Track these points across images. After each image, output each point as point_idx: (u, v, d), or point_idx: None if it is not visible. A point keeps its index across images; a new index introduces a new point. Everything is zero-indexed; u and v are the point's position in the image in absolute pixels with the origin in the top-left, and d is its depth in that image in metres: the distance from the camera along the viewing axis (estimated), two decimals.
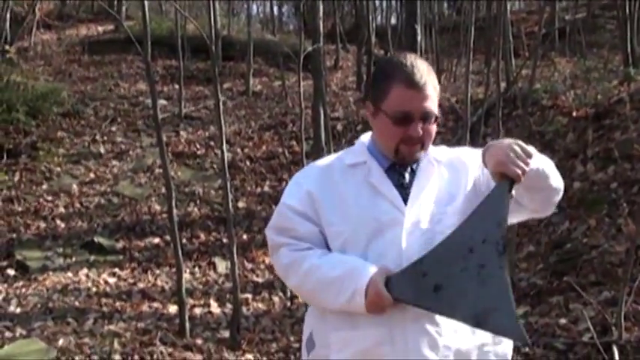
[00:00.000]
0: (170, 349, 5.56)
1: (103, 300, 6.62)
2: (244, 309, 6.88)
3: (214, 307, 6.99)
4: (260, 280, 7.93)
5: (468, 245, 1.89)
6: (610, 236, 6.39)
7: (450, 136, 10.08)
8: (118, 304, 6.59)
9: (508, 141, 1.88)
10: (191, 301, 6.93)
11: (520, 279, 6.57)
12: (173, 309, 6.55)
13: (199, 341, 5.90)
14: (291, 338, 6.18)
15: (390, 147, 2.04)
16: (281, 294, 7.53)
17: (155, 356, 5.34)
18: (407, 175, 2.06)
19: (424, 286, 1.89)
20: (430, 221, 2.01)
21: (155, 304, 6.79)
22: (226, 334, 6.17)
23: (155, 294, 7.03)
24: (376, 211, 2.00)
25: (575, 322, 5.38)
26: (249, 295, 7.38)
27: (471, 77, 6.57)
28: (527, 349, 5.30)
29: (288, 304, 7.21)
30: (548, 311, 5.79)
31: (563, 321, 5.49)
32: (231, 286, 6.65)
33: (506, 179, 1.87)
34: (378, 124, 2.05)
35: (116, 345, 5.47)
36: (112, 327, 5.93)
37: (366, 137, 2.18)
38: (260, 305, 7.22)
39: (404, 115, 1.97)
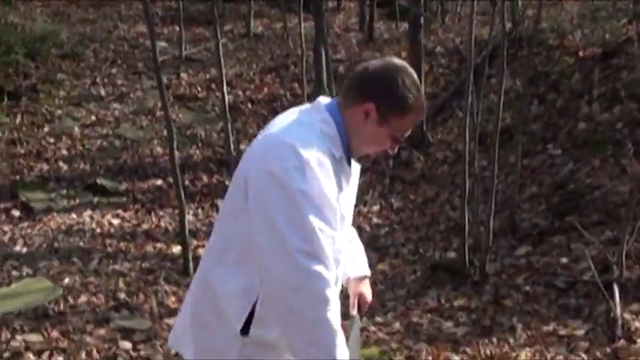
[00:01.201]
0: (174, 288, 5.62)
1: (108, 241, 6.66)
2: None
3: None
4: None
5: None
6: (614, 176, 6.38)
7: (454, 78, 9.98)
8: (122, 244, 6.64)
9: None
10: (194, 242, 6.97)
11: (522, 220, 6.59)
12: (177, 249, 6.60)
13: None
14: None
15: (364, 151, 2.11)
16: None
17: (159, 295, 5.39)
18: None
19: None
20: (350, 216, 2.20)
21: (159, 245, 6.84)
22: None
23: (159, 235, 7.07)
24: (345, 208, 2.09)
25: (577, 261, 5.42)
26: None
27: (475, 18, 6.44)
28: (527, 288, 5.36)
29: None
30: (549, 251, 5.83)
31: (564, 260, 5.52)
32: None
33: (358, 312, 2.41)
34: (373, 132, 2.02)
35: (121, 284, 5.53)
36: (116, 267, 5.98)
37: (325, 116, 2.02)
38: None
39: (404, 136, 2.07)
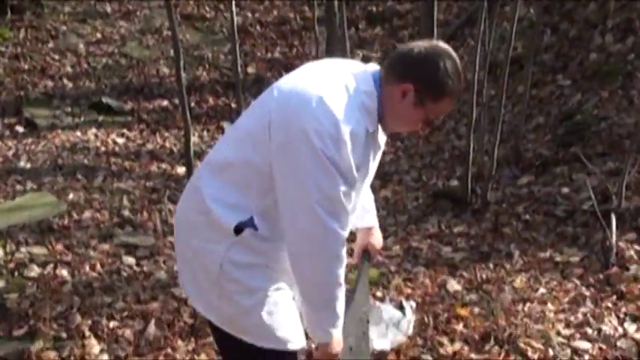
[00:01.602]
0: None
1: (112, 159, 6.71)
2: None
3: None
4: None
5: (361, 315, 2.35)
6: (621, 108, 6.32)
7: (468, 5, 9.78)
8: (126, 163, 6.68)
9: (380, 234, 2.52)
10: (199, 163, 7.01)
11: (527, 149, 6.58)
12: (181, 170, 6.65)
13: None
14: None
15: (395, 128, 2.13)
16: None
17: (163, 213, 5.46)
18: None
19: (346, 346, 2.19)
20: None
21: (163, 165, 6.88)
22: None
23: (163, 155, 7.11)
24: (367, 171, 2.13)
25: (577, 191, 5.44)
26: None
27: None
28: (527, 217, 5.40)
29: None
30: (551, 181, 5.83)
31: (565, 190, 5.54)
32: None
33: (366, 257, 2.49)
34: (407, 112, 2.04)
35: (125, 201, 5.60)
36: (121, 185, 6.04)
37: (370, 87, 2.03)
38: None
39: (437, 119, 2.15)
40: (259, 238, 2.02)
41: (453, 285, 4.33)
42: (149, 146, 7.26)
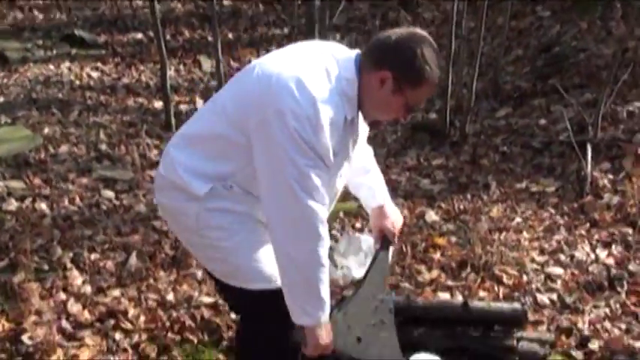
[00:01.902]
0: (156, 142, 5.64)
1: (87, 93, 6.60)
2: None
3: (200, 104, 7.00)
4: None
5: (374, 304, 2.25)
6: (599, 39, 6.33)
7: None
8: (102, 97, 6.58)
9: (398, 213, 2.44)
10: (176, 98, 6.93)
11: (505, 82, 6.58)
12: (158, 104, 6.57)
13: None
14: None
15: (375, 116, 2.12)
16: None
17: (141, 147, 5.42)
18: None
19: (350, 337, 2.17)
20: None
21: (140, 99, 6.79)
22: None
23: (140, 89, 7.01)
24: (346, 157, 2.14)
25: (554, 122, 5.48)
26: None
27: None
28: (504, 148, 5.45)
29: None
30: (529, 112, 5.87)
31: (542, 122, 5.58)
32: (216, 84, 6.62)
33: (386, 244, 2.38)
34: (387, 100, 2.03)
35: (102, 136, 5.54)
36: (97, 119, 5.97)
37: (352, 75, 2.02)
38: None
39: (417, 107, 2.13)
40: (233, 194, 2.06)
41: (431, 216, 4.40)
42: (125, 80, 7.14)
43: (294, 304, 2.01)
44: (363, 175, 2.40)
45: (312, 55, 2.04)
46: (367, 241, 3.65)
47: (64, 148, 5.15)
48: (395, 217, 2.44)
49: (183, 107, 6.84)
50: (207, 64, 7.89)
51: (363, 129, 2.21)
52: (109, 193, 4.51)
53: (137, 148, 5.38)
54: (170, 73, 6.73)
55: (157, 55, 6.50)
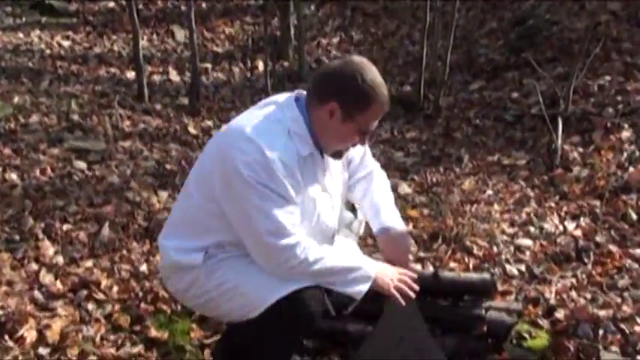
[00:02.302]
0: (129, 112, 5.59)
1: (58, 62, 6.50)
2: (203, 78, 6.87)
3: (173, 75, 6.96)
4: (220, 50, 7.83)
5: (399, 335, 2.26)
6: (572, 13, 6.39)
7: None
8: (74, 67, 6.50)
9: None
10: (149, 68, 6.87)
11: (479, 55, 6.62)
12: (131, 75, 6.51)
13: (158, 106, 5.93)
14: (251, 107, 6.24)
15: (334, 147, 2.19)
16: (241, 65, 7.50)
17: (114, 118, 5.36)
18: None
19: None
20: (338, 197, 2.33)
21: (112, 69, 6.72)
22: (185, 101, 6.20)
23: (112, 59, 6.92)
24: (322, 189, 2.21)
25: (527, 96, 5.54)
26: (209, 65, 7.33)
27: None
28: (477, 121, 5.50)
29: (249, 74, 7.21)
30: (502, 86, 5.92)
31: (515, 95, 5.64)
32: (189, 54, 6.57)
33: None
34: (340, 129, 2.11)
35: (74, 106, 5.46)
36: (68, 89, 5.89)
37: (295, 113, 2.11)
38: (220, 75, 7.20)
39: (370, 130, 2.15)
40: (227, 251, 2.15)
41: (404, 188, 4.43)
42: (96, 50, 7.05)
43: (344, 289, 2.11)
44: (363, 197, 2.46)
45: (253, 110, 2.16)
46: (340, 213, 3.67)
47: (34, 118, 5.07)
48: (402, 244, 2.35)
49: (156, 78, 6.78)
50: (180, 34, 7.81)
51: (335, 162, 2.28)
52: (81, 164, 4.46)
53: (109, 119, 5.32)
54: (143, 43, 6.65)
55: (129, 25, 6.42)
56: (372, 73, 2.08)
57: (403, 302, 2.14)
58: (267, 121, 2.07)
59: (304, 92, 2.16)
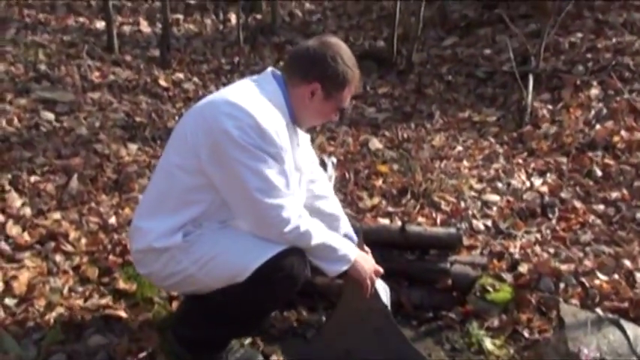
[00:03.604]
0: (98, 64, 5.49)
1: (25, 11, 6.33)
2: (175, 29, 6.75)
3: (144, 26, 6.82)
4: (192, 1, 7.69)
5: (359, 316, 2.32)
6: None
7: None
8: (41, 15, 6.34)
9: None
10: (119, 18, 6.73)
11: (453, 11, 6.59)
12: (100, 25, 6.36)
13: (128, 58, 5.83)
14: (223, 60, 6.18)
15: (310, 123, 2.31)
16: (213, 16, 7.38)
17: (82, 69, 5.27)
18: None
19: (339, 351, 2.34)
20: (306, 174, 2.38)
21: (81, 19, 6.57)
22: (156, 52, 6.10)
23: (81, 9, 6.77)
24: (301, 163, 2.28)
25: (499, 53, 5.55)
26: (180, 16, 7.20)
27: None
28: (449, 78, 5.51)
29: (221, 27, 7.10)
30: (475, 42, 5.92)
31: (487, 51, 5.64)
32: (160, 5, 6.44)
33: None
34: (320, 107, 2.20)
35: (41, 55, 5.35)
36: (36, 38, 5.75)
37: (274, 86, 2.18)
38: (191, 27, 7.09)
39: (346, 106, 2.27)
40: (203, 227, 2.14)
41: (375, 143, 4.45)
42: None
43: (323, 264, 2.19)
44: (321, 200, 2.47)
45: (232, 86, 2.21)
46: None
47: (0, 67, 4.96)
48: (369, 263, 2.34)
49: (126, 28, 6.65)
50: None
51: (304, 137, 2.33)
52: (49, 115, 4.39)
53: (78, 70, 5.23)
54: None
55: None
56: (348, 53, 2.20)
57: (369, 292, 2.25)
58: (249, 92, 2.13)
59: (276, 72, 2.23)
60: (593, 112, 4.41)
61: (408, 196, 3.64)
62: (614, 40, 5.19)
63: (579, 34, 5.36)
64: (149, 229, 2.15)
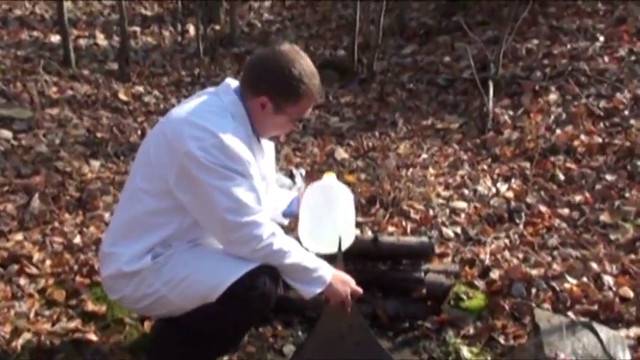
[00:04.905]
0: (55, 79, 5.38)
1: None
2: (132, 42, 6.66)
3: (100, 39, 6.72)
4: (149, 13, 7.61)
5: (339, 333, 2.29)
6: None
7: None
8: None
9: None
10: (74, 32, 6.61)
11: (411, 19, 6.66)
12: (55, 39, 6.24)
13: (86, 72, 5.73)
14: (183, 72, 6.12)
15: (270, 133, 2.24)
16: (171, 28, 7.31)
17: (39, 84, 5.15)
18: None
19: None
20: (271, 182, 2.37)
21: (35, 33, 6.43)
22: (114, 66, 6.01)
23: (34, 22, 6.63)
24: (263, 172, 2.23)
25: (458, 60, 5.62)
26: (138, 29, 7.10)
27: None
28: (410, 85, 5.55)
29: (179, 38, 7.03)
30: (434, 50, 5.98)
31: (447, 59, 5.71)
32: (117, 17, 6.34)
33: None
34: (272, 120, 2.14)
35: None
36: None
37: (233, 97, 2.13)
38: (149, 39, 7.00)
39: (304, 118, 2.20)
40: (172, 248, 2.11)
41: (341, 153, 4.45)
42: (17, 12, 6.72)
43: (298, 285, 2.13)
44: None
45: (191, 100, 2.15)
46: (279, 179, 3.64)
47: None
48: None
49: (82, 42, 6.53)
50: None
51: (268, 146, 2.31)
52: (6, 133, 4.27)
53: (35, 85, 5.12)
54: (67, 4, 6.36)
55: None
56: (302, 64, 2.08)
57: (348, 311, 2.22)
58: (209, 106, 2.08)
59: (235, 82, 2.18)
60: (552, 117, 4.50)
61: (377, 205, 3.65)
62: (569, 46, 5.31)
63: (535, 41, 5.46)
64: (119, 253, 2.10)
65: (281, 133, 2.31)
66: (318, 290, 2.14)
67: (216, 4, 7.38)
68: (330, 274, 2.16)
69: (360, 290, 2.24)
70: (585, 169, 3.92)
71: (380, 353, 2.35)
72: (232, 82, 2.17)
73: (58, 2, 5.72)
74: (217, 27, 7.33)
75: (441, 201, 3.71)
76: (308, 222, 2.33)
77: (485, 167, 4.12)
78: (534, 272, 2.93)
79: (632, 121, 4.27)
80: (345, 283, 2.21)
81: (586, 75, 4.83)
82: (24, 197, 3.56)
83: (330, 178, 2.42)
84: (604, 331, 2.35)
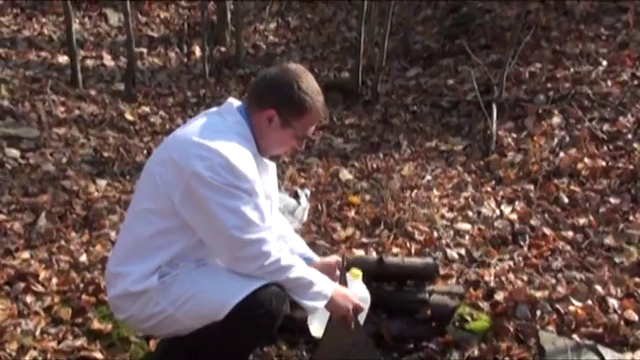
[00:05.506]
0: (63, 98, 5.43)
1: None
2: (139, 63, 6.72)
3: (107, 60, 6.77)
4: (155, 34, 7.67)
5: (343, 350, 2.29)
6: (504, 1, 6.55)
7: None
8: (1, 50, 6.24)
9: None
10: (82, 53, 6.67)
11: (415, 42, 6.71)
12: (63, 59, 6.30)
13: (93, 92, 5.78)
14: (188, 93, 6.17)
15: (272, 151, 2.26)
16: (177, 50, 7.37)
17: (47, 104, 5.20)
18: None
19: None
20: (275, 202, 2.38)
21: (43, 54, 6.49)
22: (121, 86, 6.07)
23: (42, 43, 6.68)
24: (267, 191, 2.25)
25: (462, 82, 5.66)
26: (144, 50, 7.17)
27: None
28: (414, 108, 5.59)
29: (185, 60, 7.09)
30: (438, 73, 6.03)
31: (451, 82, 5.75)
32: (124, 39, 6.41)
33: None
34: (278, 135, 2.18)
35: (3, 91, 5.26)
36: None
37: (238, 117, 2.17)
38: (156, 60, 7.06)
39: (307, 135, 2.23)
40: (179, 268, 2.12)
41: (345, 174, 4.48)
42: (26, 33, 6.79)
43: (302, 300, 2.14)
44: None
45: (195, 121, 2.18)
46: (284, 200, 3.68)
47: None
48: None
49: (89, 63, 6.59)
50: (114, 17, 7.61)
51: (272, 166, 2.32)
52: (14, 152, 4.32)
53: (43, 105, 5.16)
54: (75, 26, 6.43)
55: (59, 7, 6.21)
56: (308, 81, 2.17)
57: (352, 326, 2.23)
58: (214, 126, 2.12)
59: (238, 102, 2.22)
60: (556, 140, 4.52)
61: (382, 226, 3.67)
62: (572, 69, 5.34)
63: (538, 65, 5.50)
64: (125, 273, 2.11)
65: (284, 150, 2.31)
66: (321, 304, 2.16)
67: (221, 26, 7.45)
68: (331, 288, 2.19)
69: (361, 305, 2.26)
70: (589, 192, 3.93)
71: None
72: (235, 102, 2.22)
73: (67, 24, 5.79)
74: (223, 49, 7.39)
75: (445, 222, 3.72)
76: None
77: (489, 189, 4.14)
78: (539, 294, 2.94)
79: (636, 145, 4.30)
80: (347, 298, 2.23)
81: (589, 99, 4.86)
82: (31, 216, 3.59)
83: (358, 283, 2.41)
84: (609, 354, 2.36)
